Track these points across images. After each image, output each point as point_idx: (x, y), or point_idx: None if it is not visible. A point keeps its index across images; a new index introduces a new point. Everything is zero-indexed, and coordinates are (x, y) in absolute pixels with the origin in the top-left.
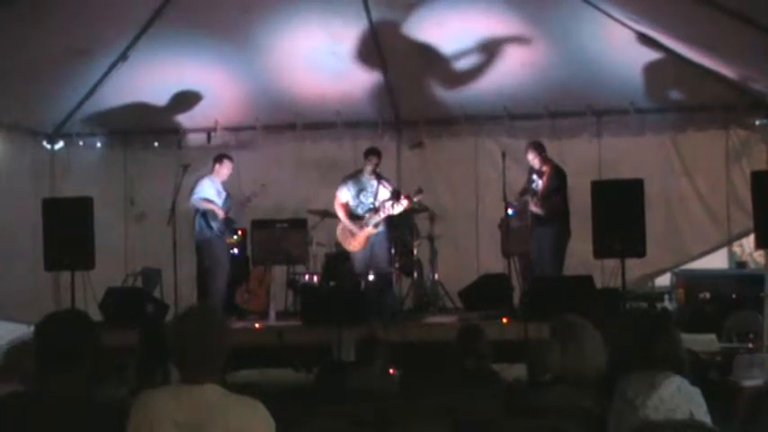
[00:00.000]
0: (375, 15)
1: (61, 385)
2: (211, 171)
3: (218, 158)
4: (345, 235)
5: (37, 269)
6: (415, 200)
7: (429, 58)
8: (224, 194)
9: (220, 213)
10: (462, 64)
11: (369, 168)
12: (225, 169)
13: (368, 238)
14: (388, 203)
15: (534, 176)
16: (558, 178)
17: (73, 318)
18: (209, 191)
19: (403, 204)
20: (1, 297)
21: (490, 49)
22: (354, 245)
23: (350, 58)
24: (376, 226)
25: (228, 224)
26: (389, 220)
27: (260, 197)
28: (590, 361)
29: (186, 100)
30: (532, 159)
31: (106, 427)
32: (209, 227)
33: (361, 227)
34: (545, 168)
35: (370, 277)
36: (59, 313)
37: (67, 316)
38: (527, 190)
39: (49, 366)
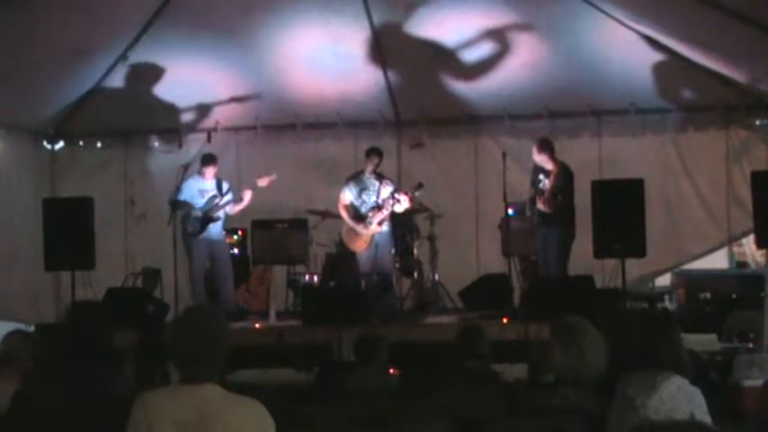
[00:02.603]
0: (375, 15)
1: (63, 382)
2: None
3: (202, 159)
4: (350, 235)
5: (37, 269)
6: (416, 194)
7: (429, 57)
8: (209, 193)
9: (194, 212)
10: (463, 64)
11: (370, 168)
12: (207, 170)
13: (372, 237)
14: (390, 201)
15: (541, 176)
16: (565, 177)
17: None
18: (191, 190)
19: (404, 201)
20: (1, 297)
21: (491, 49)
22: (359, 244)
23: (350, 58)
24: (380, 224)
25: (204, 222)
26: (393, 219)
27: (260, 197)
28: (590, 361)
29: (186, 100)
30: (541, 158)
31: (107, 425)
32: (185, 227)
33: (366, 226)
34: (553, 167)
35: (375, 277)
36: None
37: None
38: (535, 192)
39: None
